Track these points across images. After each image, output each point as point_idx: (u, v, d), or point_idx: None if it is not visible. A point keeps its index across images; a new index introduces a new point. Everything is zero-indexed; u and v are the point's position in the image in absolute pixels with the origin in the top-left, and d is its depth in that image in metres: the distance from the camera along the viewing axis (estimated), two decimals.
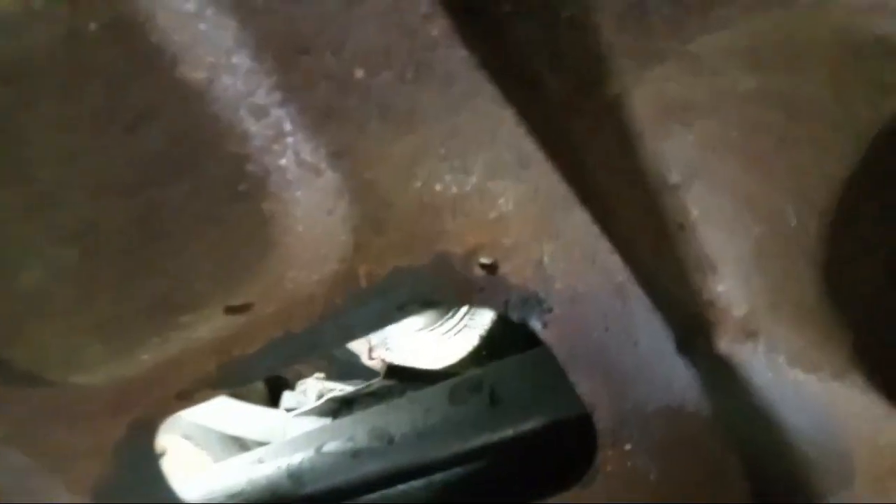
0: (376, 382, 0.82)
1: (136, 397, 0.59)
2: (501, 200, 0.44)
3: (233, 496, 0.81)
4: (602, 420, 0.55)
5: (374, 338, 0.98)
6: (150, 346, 0.54)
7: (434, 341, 0.91)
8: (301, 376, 1.05)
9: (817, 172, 0.42)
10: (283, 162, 0.43)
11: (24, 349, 0.56)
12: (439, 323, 0.93)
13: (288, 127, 0.43)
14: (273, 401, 1.16)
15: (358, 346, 1.06)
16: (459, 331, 0.91)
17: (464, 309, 0.97)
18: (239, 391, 1.15)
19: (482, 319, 0.95)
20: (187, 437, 1.05)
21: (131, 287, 0.49)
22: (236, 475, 0.83)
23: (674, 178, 0.42)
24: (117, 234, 0.44)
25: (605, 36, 0.37)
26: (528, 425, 0.65)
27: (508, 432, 0.66)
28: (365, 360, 0.96)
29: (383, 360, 0.88)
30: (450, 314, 0.91)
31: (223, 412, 1.09)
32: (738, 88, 0.38)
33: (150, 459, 0.64)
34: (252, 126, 0.42)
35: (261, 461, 0.81)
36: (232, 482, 0.83)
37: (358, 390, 0.88)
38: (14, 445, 0.65)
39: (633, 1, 0.36)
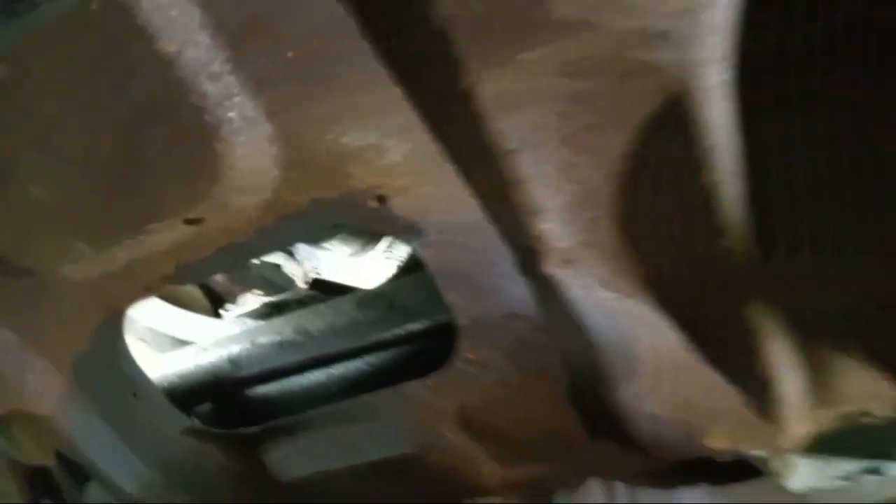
0: (302, 291, 0.98)
1: (112, 288, 0.73)
2: (391, 153, 0.59)
3: (182, 377, 0.97)
4: (461, 320, 0.72)
5: (308, 264, 1.14)
6: (124, 248, 0.67)
7: (359, 267, 1.07)
8: (238, 293, 1.21)
9: (610, 150, 0.58)
10: (231, 115, 0.57)
11: (28, 247, 0.68)
12: (364, 251, 1.09)
13: (236, 89, 0.56)
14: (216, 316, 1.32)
15: (294, 271, 1.21)
16: (382, 260, 1.07)
17: (385, 242, 1.13)
18: (187, 304, 1.30)
19: (400, 252, 1.12)
20: (143, 340, 1.19)
21: (113, 200, 0.62)
22: (185, 361, 0.99)
23: (510, 146, 0.57)
24: (106, 161, 0.58)
25: (460, 44, 0.52)
26: (416, 326, 0.83)
27: (400, 331, 0.84)
28: (299, 283, 1.12)
29: (309, 274, 1.04)
30: (371, 245, 1.07)
31: (174, 320, 1.23)
32: (552, 88, 0.54)
33: (120, 339, 0.78)
34: (209, 87, 0.56)
35: (205, 350, 0.97)
36: (181, 366, 0.99)
37: (286, 297, 1.05)
38: (8, 327, 0.78)
39: (480, 23, 0.51)
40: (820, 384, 0.72)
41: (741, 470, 1.24)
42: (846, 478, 1.15)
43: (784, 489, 1.54)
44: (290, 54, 0.54)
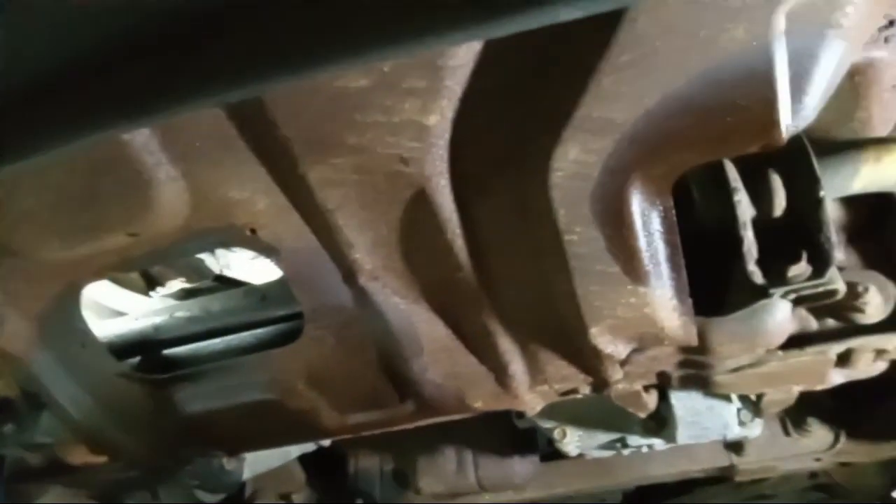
0: (208, 282, 1.35)
1: (73, 270, 1.05)
2: (258, 204, 0.95)
3: (119, 336, 1.32)
4: (305, 308, 1.08)
5: (222, 262, 1.50)
6: (85, 245, 1.00)
7: (256, 266, 1.44)
8: (170, 278, 1.57)
9: (383, 215, 0.94)
10: (160, 175, 0.90)
11: (16, 239, 1.01)
12: (258, 256, 1.46)
13: (164, 160, 0.91)
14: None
15: (213, 266, 1.57)
16: (270, 264, 1.45)
17: None
18: (126, 285, 1.65)
19: None
20: (90, 309, 1.53)
21: (80, 216, 0.96)
22: (121, 326, 1.34)
23: (330, 207, 0.93)
24: (76, 193, 0.90)
25: (297, 149, 0.88)
26: (281, 312, 1.21)
27: (270, 314, 1.22)
28: (213, 273, 1.49)
29: (219, 273, 1.41)
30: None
31: (115, 295, 1.58)
32: (349, 178, 0.90)
33: (76, 304, 1.12)
34: (148, 158, 0.90)
35: (137, 319, 1.33)
36: (118, 329, 1.34)
37: (198, 286, 1.42)
38: None
39: (308, 139, 0.88)
40: (534, 368, 1.11)
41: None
42: (607, 447, 1.57)
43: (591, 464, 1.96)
44: (197, 144, 0.89)
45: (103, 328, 1.37)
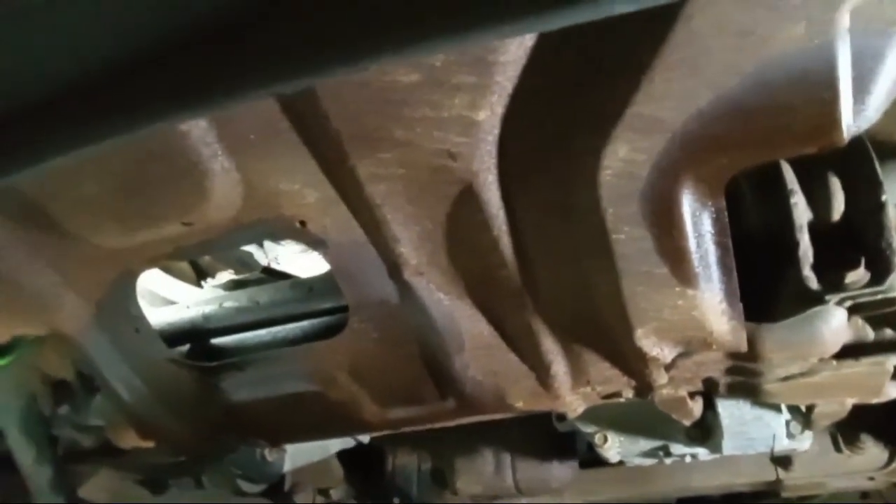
0: (257, 274, 1.39)
1: (130, 256, 1.09)
2: (307, 196, 0.97)
3: (171, 324, 1.37)
4: (350, 301, 1.10)
5: (270, 255, 1.53)
6: (142, 233, 1.04)
7: (305, 260, 1.47)
8: (219, 270, 1.62)
9: (433, 209, 0.95)
10: (215, 166, 0.93)
11: (75, 224, 1.05)
12: (307, 250, 1.48)
13: (219, 152, 0.94)
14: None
15: (261, 259, 1.61)
16: (317, 258, 1.47)
17: None
18: (177, 274, 1.70)
19: None
20: (143, 297, 1.58)
21: (139, 204, 0.99)
22: (173, 314, 1.38)
23: (377, 201, 0.95)
24: (136, 183, 0.94)
25: (346, 143, 0.90)
26: (326, 304, 1.23)
27: (315, 307, 1.24)
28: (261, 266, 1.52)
29: (267, 266, 1.44)
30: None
31: (167, 285, 1.63)
32: (396, 173, 0.91)
33: (131, 290, 1.16)
34: (204, 150, 0.93)
35: (188, 308, 1.37)
36: (170, 317, 1.38)
37: (246, 277, 1.45)
38: (56, 270, 1.15)
39: (357, 134, 0.89)
40: (577, 369, 1.10)
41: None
42: (649, 454, 1.54)
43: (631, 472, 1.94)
44: (252, 136, 0.92)
45: (155, 316, 1.41)
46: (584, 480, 2.10)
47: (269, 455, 1.44)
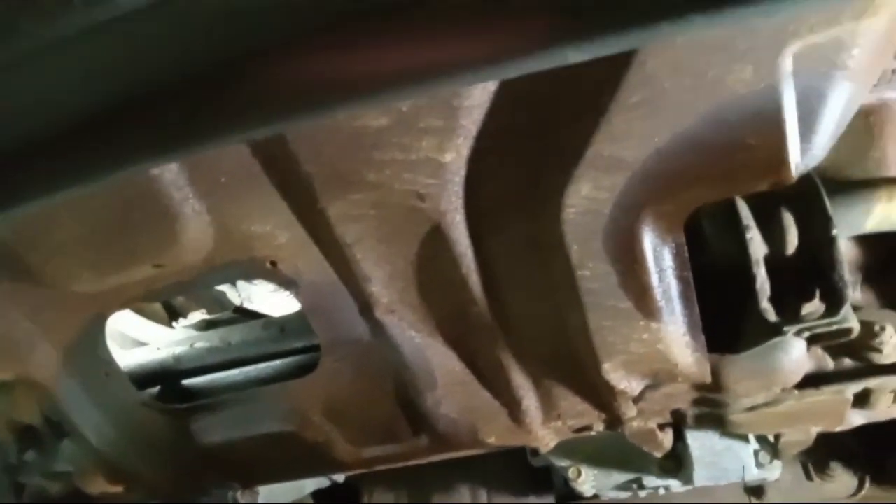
0: (228, 314, 1.38)
1: (101, 300, 1.08)
2: (279, 238, 0.98)
3: (141, 366, 1.35)
4: (322, 340, 1.10)
5: (243, 294, 1.53)
6: (113, 277, 1.03)
7: (277, 299, 1.47)
8: (192, 310, 1.60)
9: (404, 249, 0.97)
10: (186, 210, 0.94)
11: (49, 272, 1.04)
12: (279, 290, 1.48)
13: (190, 195, 0.94)
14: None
15: (234, 298, 1.60)
16: (289, 297, 1.47)
17: None
18: (149, 315, 1.68)
19: None
20: (113, 339, 1.56)
21: (110, 250, 0.99)
22: (143, 356, 1.36)
23: (348, 241, 0.96)
24: (106, 229, 0.94)
25: (317, 185, 0.91)
26: (298, 344, 1.23)
27: (288, 346, 1.23)
28: (235, 305, 1.51)
29: (239, 305, 1.44)
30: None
31: (139, 327, 1.61)
32: (367, 213, 0.92)
33: (101, 334, 1.15)
34: (175, 193, 0.93)
35: (158, 349, 1.35)
36: (140, 359, 1.36)
37: (218, 317, 1.45)
38: (27, 317, 1.13)
39: (327, 177, 0.90)
40: (548, 403, 1.11)
41: None
42: (623, 487, 1.55)
43: None
44: (223, 179, 0.93)
45: (125, 358, 1.39)
46: None
47: (242, 497, 1.41)
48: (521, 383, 1.07)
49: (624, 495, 1.63)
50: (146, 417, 1.24)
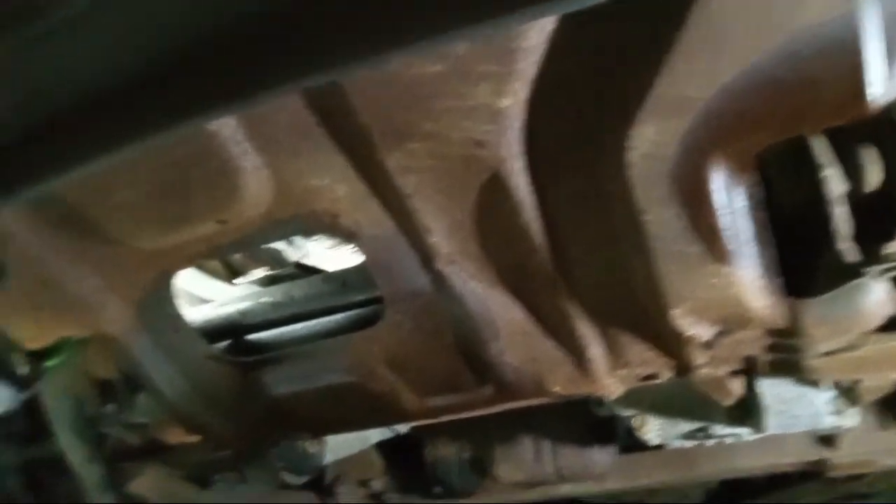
0: (290, 269, 1.43)
1: (167, 257, 1.14)
2: (338, 191, 1.00)
3: (208, 322, 1.42)
4: (385, 293, 1.13)
5: (300, 251, 1.58)
6: (177, 234, 1.08)
7: (335, 255, 1.51)
8: (250, 268, 1.67)
9: (463, 199, 0.97)
10: (246, 164, 0.97)
11: (114, 229, 1.10)
12: (339, 245, 1.52)
13: (249, 150, 0.97)
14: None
15: (291, 256, 1.65)
16: (349, 252, 1.51)
17: None
18: (212, 273, 1.75)
19: None
20: (179, 297, 1.64)
21: (173, 207, 1.03)
22: (210, 312, 1.43)
23: (407, 192, 0.97)
24: (168, 186, 0.98)
25: (375, 136, 0.92)
26: (361, 297, 1.27)
27: (350, 299, 1.27)
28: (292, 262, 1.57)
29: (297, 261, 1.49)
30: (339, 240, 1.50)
31: (203, 285, 1.68)
32: (425, 163, 0.93)
33: (168, 291, 1.21)
34: (234, 148, 0.96)
35: (224, 305, 1.42)
36: (207, 315, 1.43)
37: (280, 273, 1.50)
38: (98, 274, 1.20)
39: (385, 127, 0.91)
40: (614, 351, 1.11)
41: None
42: (689, 436, 1.55)
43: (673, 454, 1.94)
44: (280, 135, 0.95)
45: (192, 314, 1.46)
46: (625, 465, 2.10)
47: (310, 447, 1.48)
48: (586, 331, 1.08)
49: (689, 444, 1.62)
50: (215, 371, 1.30)
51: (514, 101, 0.84)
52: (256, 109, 0.89)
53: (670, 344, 1.06)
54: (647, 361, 1.12)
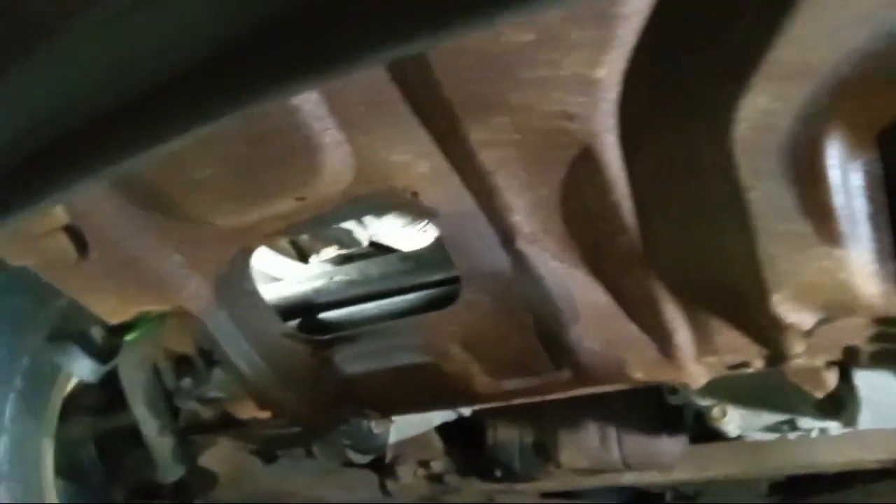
0: (364, 248, 1.42)
1: (245, 234, 1.14)
2: (419, 167, 0.97)
3: (284, 299, 1.42)
4: (462, 272, 1.10)
5: (371, 230, 1.56)
6: (256, 210, 1.08)
7: (407, 234, 1.49)
8: (319, 249, 1.67)
9: (549, 176, 0.94)
10: (327, 140, 0.96)
11: (194, 206, 1.10)
12: (413, 223, 1.49)
13: (330, 125, 0.95)
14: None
15: (360, 236, 1.64)
16: (425, 229, 1.48)
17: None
18: (284, 253, 1.76)
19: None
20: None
21: (252, 183, 1.02)
22: (285, 289, 1.44)
23: (489, 168, 0.94)
24: (247, 161, 0.97)
25: (458, 109, 0.89)
26: (436, 276, 1.24)
27: (425, 279, 1.25)
28: (364, 241, 1.55)
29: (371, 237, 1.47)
30: (416, 220, 1.48)
31: (274, 263, 1.69)
32: (510, 138, 0.90)
33: (247, 268, 1.21)
34: (315, 123, 0.94)
35: (299, 283, 1.42)
36: (283, 293, 1.44)
37: (354, 252, 1.49)
38: (178, 251, 1.22)
39: (470, 100, 0.88)
40: (703, 337, 1.06)
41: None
42: (772, 428, 1.48)
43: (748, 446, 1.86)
44: (362, 109, 0.93)
45: (267, 292, 1.47)
46: (694, 455, 2.04)
47: (376, 427, 1.48)
48: (674, 315, 1.03)
49: (770, 436, 1.56)
50: (290, 348, 1.31)
51: (610, 70, 0.80)
52: (340, 83, 0.87)
53: (767, 331, 1.00)
54: (738, 349, 1.06)
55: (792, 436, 1.53)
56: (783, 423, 1.47)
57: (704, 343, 1.06)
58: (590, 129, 0.85)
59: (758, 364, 1.10)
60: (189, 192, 1.05)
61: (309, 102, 0.90)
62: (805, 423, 1.43)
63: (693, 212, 0.90)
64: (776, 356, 1.06)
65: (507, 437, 2.24)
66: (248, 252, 1.18)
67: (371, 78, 0.88)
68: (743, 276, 0.92)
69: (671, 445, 1.97)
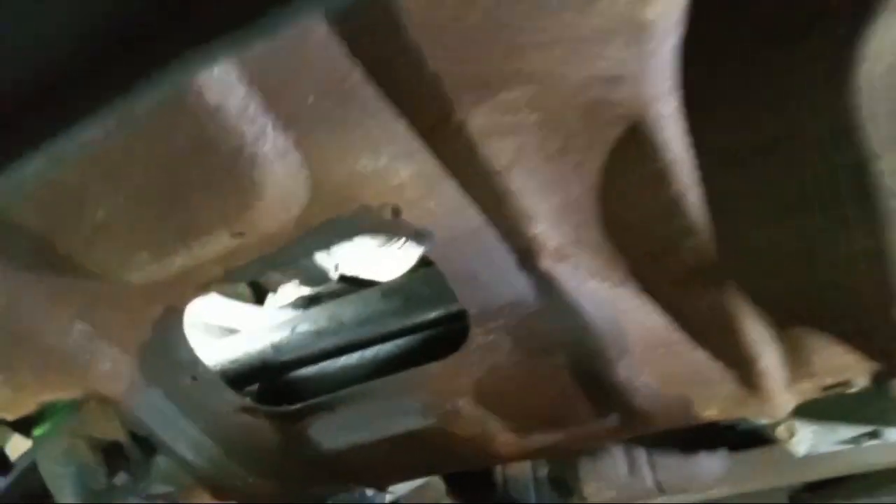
0: (333, 284, 1.16)
1: (170, 289, 0.90)
2: (400, 174, 0.75)
3: (233, 361, 1.17)
4: (470, 309, 0.87)
5: (338, 257, 1.31)
6: (180, 256, 0.84)
7: (383, 258, 1.24)
8: (281, 284, 1.40)
9: (584, 167, 0.72)
10: (265, 149, 0.72)
11: (96, 259, 0.86)
12: (388, 245, 1.25)
13: (269, 128, 0.72)
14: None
15: (327, 263, 1.38)
16: (402, 253, 1.24)
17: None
18: (233, 295, 1.50)
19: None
20: (195, 329, 1.39)
21: (169, 219, 0.79)
22: (235, 348, 1.18)
23: (499, 165, 0.72)
24: (160, 190, 0.74)
25: (451, 87, 0.66)
26: (432, 314, 1.00)
27: (419, 319, 1.01)
28: (331, 274, 1.30)
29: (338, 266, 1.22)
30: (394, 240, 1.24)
31: (222, 310, 1.43)
32: (528, 119, 0.68)
33: (179, 330, 0.96)
34: (247, 128, 0.71)
35: (252, 338, 1.16)
36: (231, 353, 1.18)
37: (320, 291, 1.23)
38: (82, 319, 0.97)
39: (468, 71, 0.65)
40: (797, 359, 0.85)
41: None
42: (849, 441, 1.29)
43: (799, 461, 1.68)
44: (311, 99, 0.69)
45: (212, 353, 1.21)
46: (738, 467, 1.88)
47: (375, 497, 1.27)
48: (758, 336, 0.81)
49: (840, 448, 1.38)
50: (249, 424, 1.06)
51: (667, 8, 0.58)
52: (272, 62, 0.64)
53: (882, 343, 0.79)
54: (841, 369, 0.85)
55: (865, 444, 1.36)
56: (864, 435, 1.28)
57: (799, 366, 0.85)
58: (638, 95, 0.64)
59: (861, 383, 0.90)
60: (88, 240, 0.80)
61: (234, 98, 0.67)
62: (892, 433, 1.25)
63: (788, 200, 0.69)
64: (887, 371, 0.86)
65: (518, 472, 2.05)
66: (177, 310, 0.92)
67: (322, 57, 0.64)
68: (858, 279, 0.71)
69: (711, 463, 1.79)
